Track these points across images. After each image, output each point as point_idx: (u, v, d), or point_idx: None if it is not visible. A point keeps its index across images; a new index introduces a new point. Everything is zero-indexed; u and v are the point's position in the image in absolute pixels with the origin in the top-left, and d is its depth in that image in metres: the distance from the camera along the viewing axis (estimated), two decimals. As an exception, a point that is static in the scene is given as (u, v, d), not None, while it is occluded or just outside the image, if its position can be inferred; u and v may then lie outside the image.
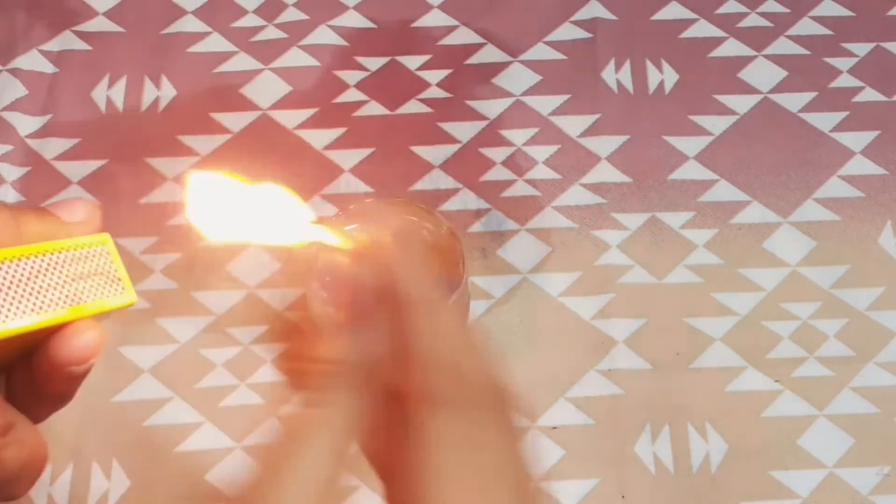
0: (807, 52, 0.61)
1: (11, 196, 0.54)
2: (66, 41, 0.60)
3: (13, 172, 0.55)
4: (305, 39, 0.60)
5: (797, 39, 0.61)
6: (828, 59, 0.61)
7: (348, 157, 0.56)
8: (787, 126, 0.58)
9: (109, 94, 0.58)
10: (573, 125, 0.58)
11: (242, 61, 0.59)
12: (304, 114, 0.58)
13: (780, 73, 0.60)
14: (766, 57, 0.61)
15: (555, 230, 0.55)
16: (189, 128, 0.57)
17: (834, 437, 0.50)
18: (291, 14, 0.61)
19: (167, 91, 0.58)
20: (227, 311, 0.52)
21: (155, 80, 0.59)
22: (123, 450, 0.48)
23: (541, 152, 0.57)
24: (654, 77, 0.60)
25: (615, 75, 0.60)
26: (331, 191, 0.55)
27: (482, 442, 0.29)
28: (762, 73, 0.60)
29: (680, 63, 0.60)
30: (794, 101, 0.59)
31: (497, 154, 0.57)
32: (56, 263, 0.30)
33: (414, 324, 0.30)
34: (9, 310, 0.28)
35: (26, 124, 0.57)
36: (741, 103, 0.59)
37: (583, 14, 0.62)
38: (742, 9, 0.62)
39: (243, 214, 0.33)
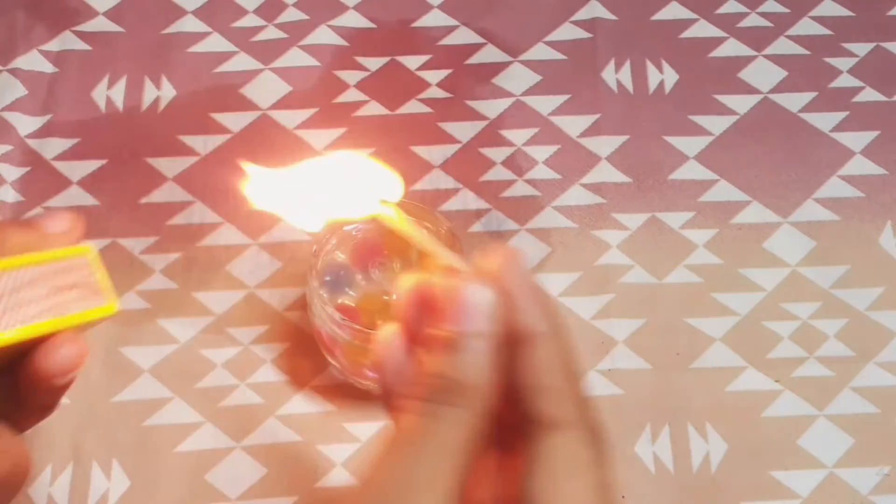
0: (807, 52, 0.61)
1: (11, 196, 0.54)
2: (66, 41, 0.60)
3: (13, 172, 0.55)
4: (305, 39, 0.60)
5: (797, 39, 0.61)
6: (828, 59, 0.61)
7: (348, 157, 0.56)
8: (787, 126, 0.58)
9: (109, 94, 0.58)
10: (573, 125, 0.58)
11: (242, 61, 0.59)
12: (304, 114, 0.58)
13: (780, 73, 0.60)
14: (766, 57, 0.61)
15: (555, 230, 0.55)
16: (189, 128, 0.57)
17: (834, 437, 0.50)
18: (291, 14, 0.61)
19: (167, 91, 0.58)
20: (226, 311, 0.52)
21: (155, 80, 0.59)
22: (123, 450, 0.48)
23: (541, 152, 0.57)
24: (654, 77, 0.60)
25: (615, 75, 0.60)
26: (331, 191, 0.55)
27: (600, 460, 0.29)
28: (762, 73, 0.60)
29: (680, 63, 0.60)
30: (794, 101, 0.59)
31: (497, 154, 0.57)
32: (39, 275, 0.30)
33: (547, 352, 0.29)
34: None
35: (26, 124, 0.57)
36: (741, 103, 0.59)
37: (583, 14, 0.62)
38: (742, 9, 0.62)
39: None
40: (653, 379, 0.51)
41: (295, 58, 0.59)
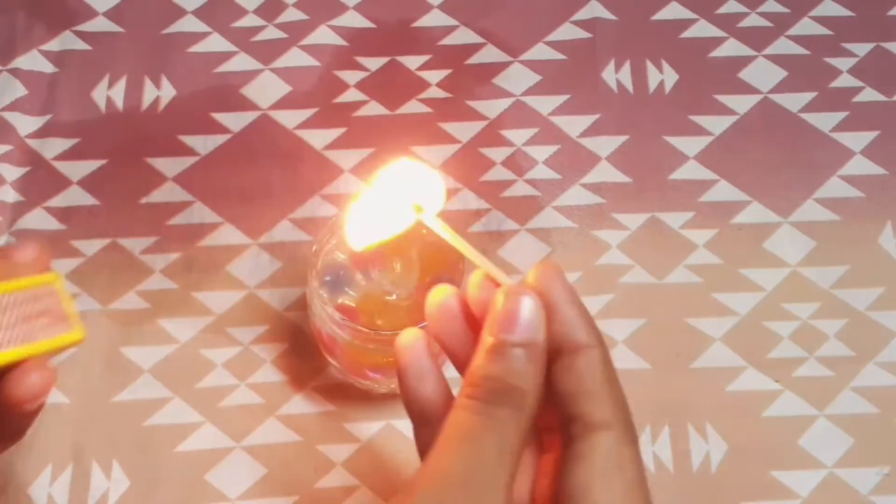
0: (807, 52, 0.61)
1: (11, 196, 0.54)
2: (66, 41, 0.60)
3: (13, 172, 0.55)
4: (305, 39, 0.60)
5: (797, 39, 0.61)
6: (828, 59, 0.61)
7: (348, 157, 0.56)
8: (787, 126, 0.58)
9: (109, 93, 0.58)
10: (573, 125, 0.58)
11: (242, 61, 0.59)
12: (304, 114, 0.58)
13: (780, 73, 0.60)
14: (766, 57, 0.61)
15: (555, 230, 0.55)
16: (189, 128, 0.57)
17: (834, 437, 0.50)
18: (291, 14, 0.61)
19: (167, 91, 0.58)
20: (226, 311, 0.52)
21: (155, 80, 0.59)
22: (123, 450, 0.48)
23: (541, 152, 0.57)
24: (654, 77, 0.60)
25: (615, 75, 0.60)
26: (330, 191, 0.55)
27: (637, 458, 0.31)
28: (762, 73, 0.60)
29: (680, 63, 0.60)
30: (794, 101, 0.59)
31: (497, 154, 0.57)
32: (8, 304, 0.30)
33: (592, 360, 0.31)
34: None
35: (26, 124, 0.57)
36: (741, 103, 0.59)
37: (583, 14, 0.62)
38: (742, 9, 0.62)
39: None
40: (653, 379, 0.51)
41: (295, 58, 0.59)
